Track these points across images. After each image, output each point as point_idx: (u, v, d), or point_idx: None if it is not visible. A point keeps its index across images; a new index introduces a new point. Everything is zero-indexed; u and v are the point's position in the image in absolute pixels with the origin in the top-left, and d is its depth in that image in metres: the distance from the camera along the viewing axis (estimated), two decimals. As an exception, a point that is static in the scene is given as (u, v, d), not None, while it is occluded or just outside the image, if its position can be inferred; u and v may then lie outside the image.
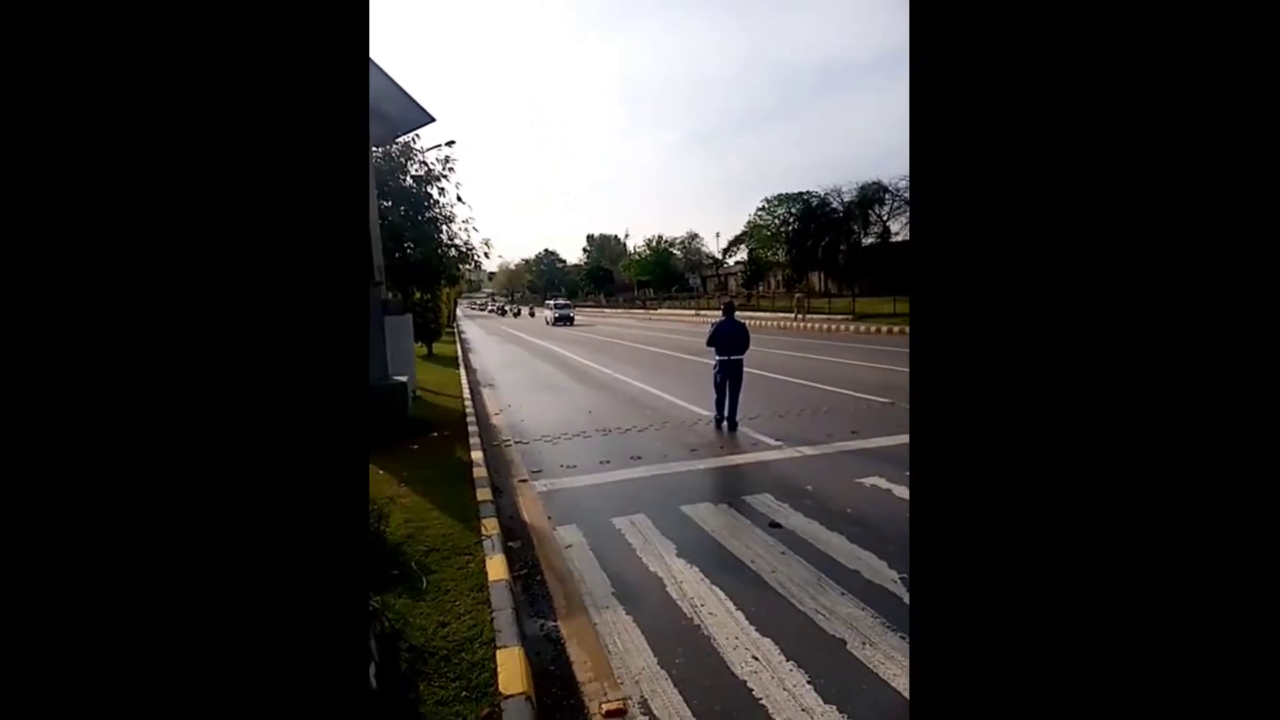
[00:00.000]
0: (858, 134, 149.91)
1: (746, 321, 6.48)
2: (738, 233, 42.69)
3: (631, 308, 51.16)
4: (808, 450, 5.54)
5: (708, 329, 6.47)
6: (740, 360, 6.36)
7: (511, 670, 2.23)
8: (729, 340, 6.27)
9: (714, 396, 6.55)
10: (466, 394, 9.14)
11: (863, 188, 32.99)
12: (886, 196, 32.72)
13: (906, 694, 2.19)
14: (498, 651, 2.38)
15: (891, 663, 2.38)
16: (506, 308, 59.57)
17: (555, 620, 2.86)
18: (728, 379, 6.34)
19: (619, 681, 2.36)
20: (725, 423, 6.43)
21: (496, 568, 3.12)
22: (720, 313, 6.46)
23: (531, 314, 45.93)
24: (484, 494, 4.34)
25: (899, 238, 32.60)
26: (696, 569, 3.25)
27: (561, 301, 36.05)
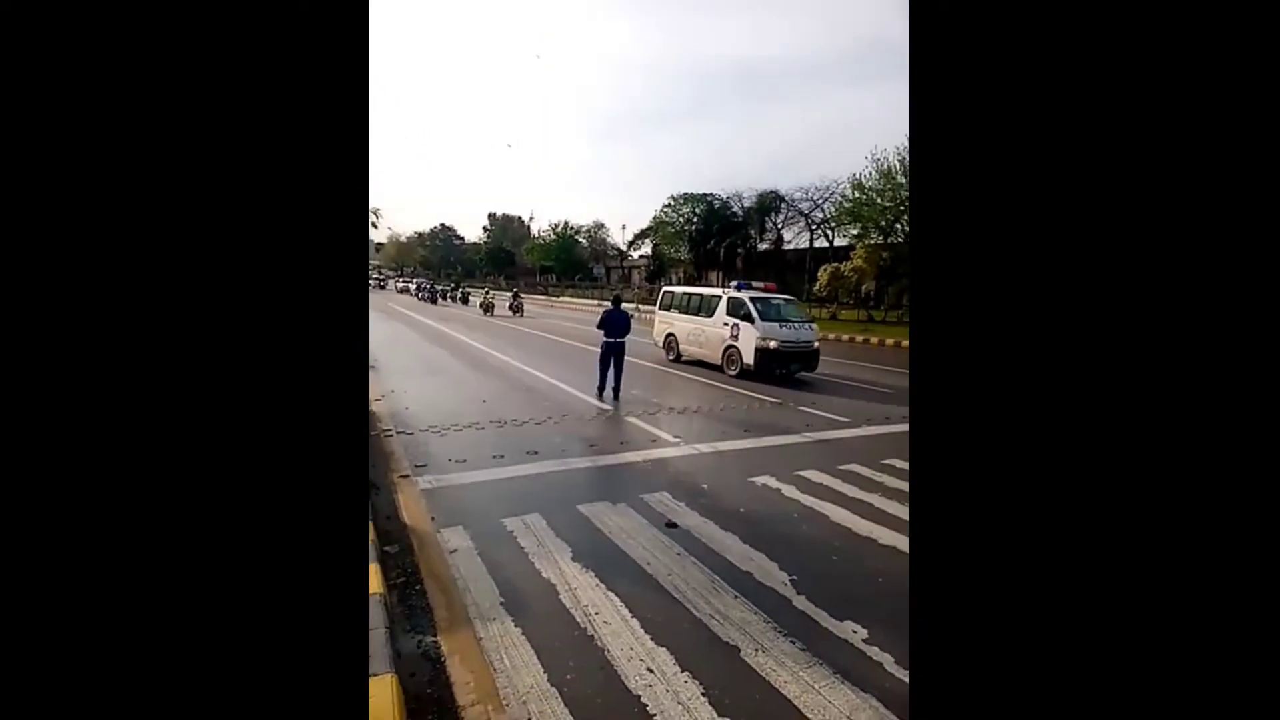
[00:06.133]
0: (773, 138, 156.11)
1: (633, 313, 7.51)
2: (643, 226, 43.01)
3: (533, 293, 49.61)
4: (704, 448, 5.64)
5: (599, 314, 8.07)
6: (623, 342, 7.83)
7: (380, 703, 1.97)
8: (615, 324, 7.79)
9: (598, 369, 7.93)
10: (344, 376, 8.32)
11: (761, 195, 34.61)
12: (782, 206, 34.60)
13: (796, 702, 2.23)
14: (365, 679, 2.10)
15: (782, 669, 2.41)
16: (436, 288, 36.01)
17: (435, 635, 2.60)
18: (612, 356, 7.78)
19: (505, 703, 2.17)
20: (610, 392, 7.78)
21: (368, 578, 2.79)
22: (610, 304, 8.21)
23: (515, 308, 24.27)
24: (358, 491, 3.91)
25: (791, 245, 34.72)
26: (592, 574, 3.13)
27: (731, 292, 10.23)
